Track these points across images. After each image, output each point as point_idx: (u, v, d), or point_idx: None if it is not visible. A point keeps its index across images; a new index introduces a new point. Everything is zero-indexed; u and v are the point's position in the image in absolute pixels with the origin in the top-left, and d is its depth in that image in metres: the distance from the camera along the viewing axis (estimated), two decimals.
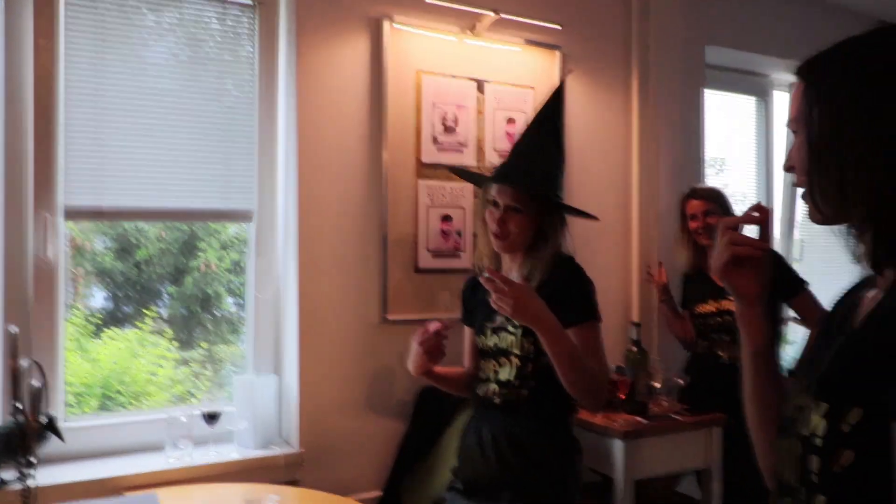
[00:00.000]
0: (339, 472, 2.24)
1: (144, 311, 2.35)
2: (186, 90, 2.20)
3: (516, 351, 1.70)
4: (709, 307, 2.61)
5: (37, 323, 2.00)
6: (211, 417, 2.09)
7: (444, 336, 1.77)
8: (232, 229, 2.44)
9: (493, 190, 1.74)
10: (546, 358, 1.61)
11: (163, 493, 1.81)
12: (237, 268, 2.42)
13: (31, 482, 1.80)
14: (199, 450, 2.09)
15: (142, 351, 2.40)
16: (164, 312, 2.40)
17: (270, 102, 2.33)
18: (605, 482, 2.27)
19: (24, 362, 1.46)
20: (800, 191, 0.92)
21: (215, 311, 2.46)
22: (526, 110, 2.61)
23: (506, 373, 1.72)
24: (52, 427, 1.80)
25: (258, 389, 2.20)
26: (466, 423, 1.82)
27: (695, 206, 2.62)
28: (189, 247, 2.39)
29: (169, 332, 2.38)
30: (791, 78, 3.49)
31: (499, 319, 1.75)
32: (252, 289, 2.34)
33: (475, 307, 1.86)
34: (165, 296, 2.39)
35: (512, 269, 1.78)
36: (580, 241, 2.71)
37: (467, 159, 2.51)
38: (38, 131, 1.99)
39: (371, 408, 2.32)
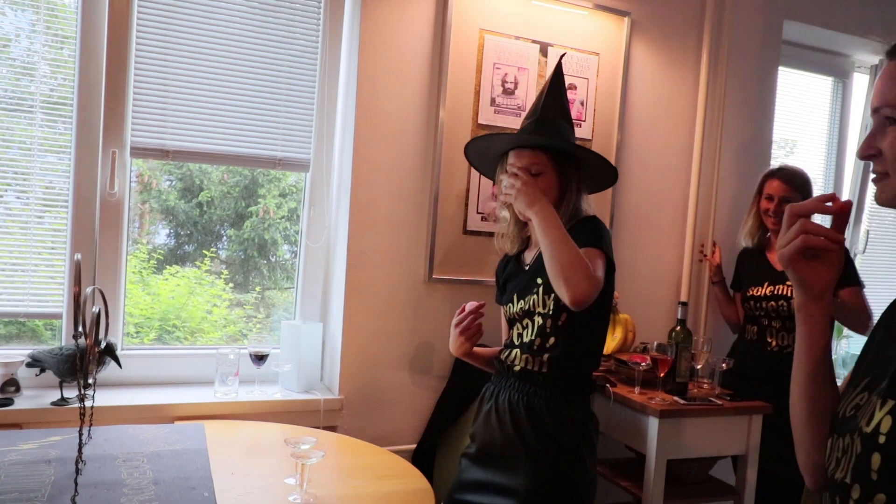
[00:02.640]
0: (376, 422, 2.31)
1: (204, 251, 2.43)
2: (253, 37, 2.24)
3: (540, 309, 1.70)
4: (763, 290, 2.53)
5: (102, 254, 2.11)
6: (258, 358, 2.18)
7: (481, 314, 1.80)
8: (291, 178, 2.49)
9: (512, 157, 1.74)
10: (567, 314, 1.64)
11: (209, 425, 1.91)
12: (294, 216, 2.48)
13: (88, 402, 1.92)
14: (245, 388, 2.18)
15: (199, 289, 2.49)
16: (223, 254, 2.48)
17: (333, 54, 2.35)
18: (639, 459, 2.27)
19: (87, 289, 1.54)
20: (871, 175, 0.87)
21: (271, 258, 2.52)
22: (589, 77, 2.55)
23: (528, 333, 1.73)
24: (110, 352, 1.91)
25: (304, 335, 2.27)
26: (486, 390, 1.84)
27: (775, 186, 2.50)
28: (249, 192, 2.45)
29: (226, 273, 2.47)
30: (874, 59, 3.30)
31: (524, 283, 1.77)
32: (304, 237, 2.40)
33: (506, 283, 1.87)
34: (224, 238, 2.47)
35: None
36: (633, 216, 2.70)
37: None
38: (110, 72, 2.06)
39: (412, 364, 2.36)
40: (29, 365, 1.95)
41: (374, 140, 2.27)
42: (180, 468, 1.56)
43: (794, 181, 2.49)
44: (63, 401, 1.94)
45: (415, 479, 1.70)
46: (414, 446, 2.31)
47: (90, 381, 1.58)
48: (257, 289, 2.50)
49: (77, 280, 1.46)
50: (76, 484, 1.36)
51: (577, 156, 1.75)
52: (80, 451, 1.55)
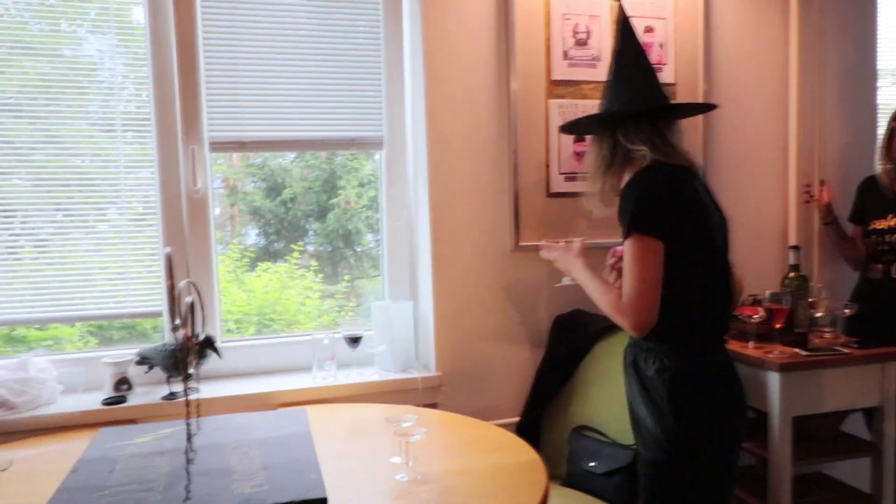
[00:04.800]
0: (476, 397, 2.26)
1: (292, 246, 2.45)
2: (315, 20, 2.21)
3: None
4: (888, 222, 2.29)
5: (193, 249, 2.15)
6: (353, 340, 2.17)
7: None
8: (368, 167, 2.47)
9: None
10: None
11: (311, 410, 1.91)
12: (375, 204, 2.46)
13: (194, 393, 1.96)
14: (342, 371, 2.18)
15: (291, 283, 2.52)
16: (310, 248, 2.50)
17: (396, 25, 2.29)
18: (760, 418, 2.11)
19: (181, 283, 1.56)
20: None
21: (356, 247, 2.52)
22: (666, 16, 2.38)
23: None
24: (209, 343, 1.94)
25: (394, 315, 2.24)
26: None
27: None
28: (330, 185, 2.45)
29: (315, 265, 2.48)
30: None
31: None
32: (385, 216, 2.37)
33: None
34: (310, 232, 2.48)
35: None
36: (729, 159, 2.51)
37: (601, 74, 2.34)
38: (182, 72, 2.09)
39: (506, 335, 2.30)
40: (138, 363, 2.02)
41: (445, 109, 2.20)
42: (287, 453, 1.56)
43: None
44: (172, 395, 1.99)
45: (523, 451, 1.64)
46: (517, 419, 2.25)
47: (191, 371, 1.61)
48: (346, 278, 2.50)
49: (169, 273, 1.48)
50: (188, 473, 1.38)
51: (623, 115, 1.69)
52: (189, 441, 1.58)
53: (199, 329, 1.96)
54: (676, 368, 1.57)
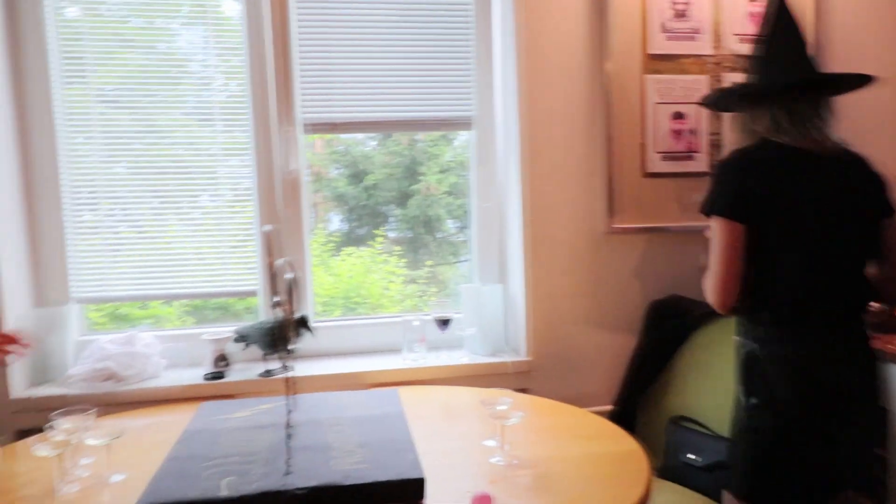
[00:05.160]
0: (568, 383, 2.20)
1: (375, 231, 2.46)
2: (404, 1, 2.19)
3: None
4: None
5: (287, 229, 2.19)
6: (443, 323, 2.15)
7: None
8: (448, 154, 2.44)
9: None
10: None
11: (403, 391, 1.91)
12: (456, 190, 2.43)
13: (291, 371, 2.00)
14: (431, 353, 2.17)
15: (374, 268, 2.53)
16: (392, 233, 2.50)
17: (485, 3, 2.24)
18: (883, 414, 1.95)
19: (279, 261, 1.58)
20: None
21: (437, 234, 2.51)
22: None
23: None
24: (304, 323, 1.97)
25: (484, 298, 2.21)
26: None
27: None
28: (411, 171, 2.44)
29: (398, 249, 2.49)
30: None
31: None
32: (475, 198, 2.34)
33: None
34: (391, 218, 2.48)
35: None
36: (856, 126, 2.31)
37: (702, 47, 2.22)
38: (277, 57, 2.12)
39: (600, 320, 2.22)
40: (236, 340, 2.08)
41: (538, 87, 2.14)
42: (383, 431, 1.56)
43: None
44: (268, 372, 2.04)
45: (622, 440, 1.57)
46: (610, 408, 2.18)
47: (291, 346, 1.63)
48: (429, 263, 2.49)
49: (269, 250, 1.50)
50: (288, 447, 1.39)
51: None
52: (288, 416, 1.61)
53: (294, 308, 2.00)
54: (749, 349, 1.57)
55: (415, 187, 2.43)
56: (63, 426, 1.44)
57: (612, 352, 2.23)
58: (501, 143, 2.28)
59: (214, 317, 2.36)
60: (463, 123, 2.28)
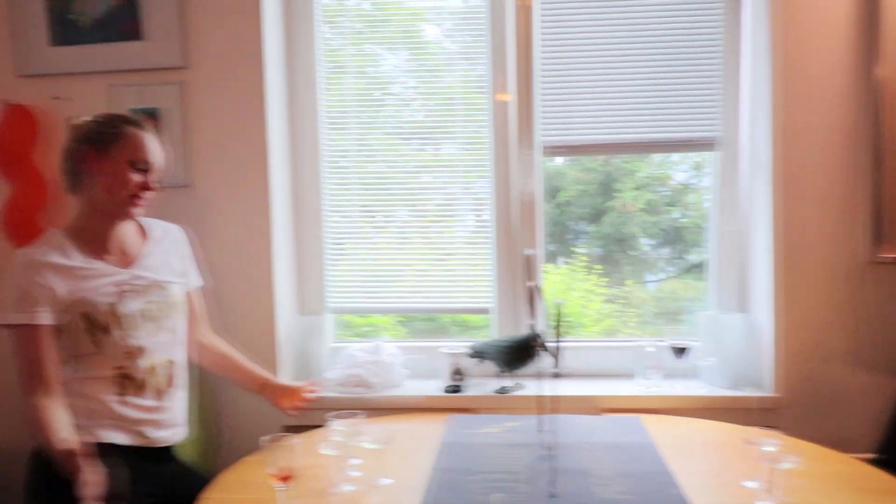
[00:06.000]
0: (821, 424, 2.01)
1: (571, 249, 2.44)
2: (649, 21, 2.15)
3: None
4: None
5: (521, 248, 2.23)
6: (679, 351, 2.07)
7: None
8: (647, 168, 2.36)
9: None
10: None
11: (645, 419, 1.86)
12: (651, 207, 2.34)
13: (523, 390, 2.04)
14: (666, 381, 2.10)
15: (574, 285, 2.50)
16: (588, 251, 2.46)
17: (735, 17, 2.13)
18: None
19: (530, 284, 1.62)
20: None
21: (629, 251, 2.42)
22: None
23: None
24: (544, 343, 1.98)
25: (724, 327, 2.09)
26: None
27: None
28: (605, 187, 2.39)
29: (598, 268, 2.43)
30: None
31: None
32: (715, 221, 2.23)
33: None
34: (583, 235, 2.44)
35: None
36: None
37: None
38: (519, 78, 2.17)
39: (859, 357, 2.01)
40: (470, 355, 2.15)
41: (793, 98, 1.99)
42: (638, 462, 1.53)
43: None
44: (503, 389, 2.08)
45: None
46: (872, 456, 1.95)
47: (555, 369, 1.65)
48: (629, 282, 2.41)
49: (530, 274, 1.53)
50: (553, 470, 1.41)
51: None
52: (543, 437, 1.63)
53: (535, 328, 2.03)
54: None
55: (609, 204, 2.38)
56: (338, 427, 1.58)
57: (873, 393, 2.00)
58: (746, 165, 2.15)
59: (422, 328, 2.47)
60: (705, 144, 2.18)
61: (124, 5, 2.03)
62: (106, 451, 1.48)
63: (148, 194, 1.57)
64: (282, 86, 2.21)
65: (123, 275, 1.58)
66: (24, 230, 2.05)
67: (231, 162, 2.10)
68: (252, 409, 2.04)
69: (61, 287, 1.48)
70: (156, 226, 1.73)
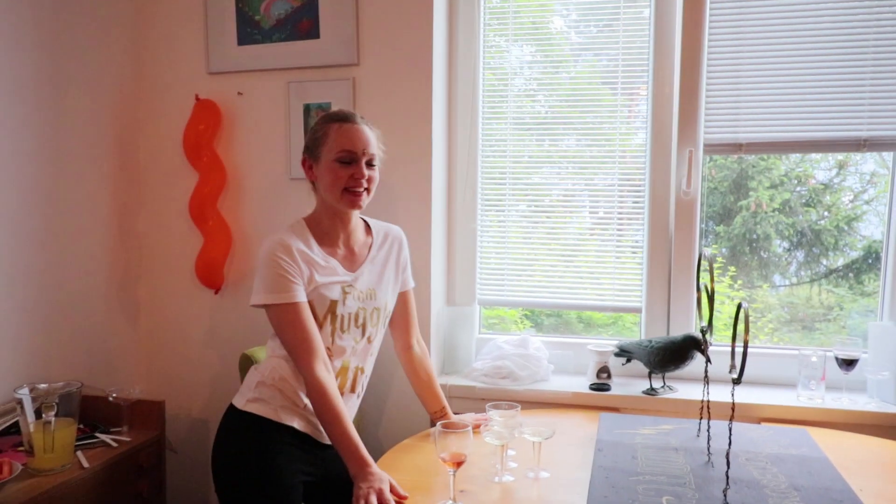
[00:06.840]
0: None
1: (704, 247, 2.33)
2: (826, 13, 2.02)
3: None
4: None
5: (677, 250, 2.18)
6: (847, 363, 1.95)
7: None
8: (783, 167, 2.21)
9: None
10: None
11: (813, 433, 1.77)
12: (786, 208, 2.19)
13: (674, 393, 2.00)
14: (830, 394, 1.99)
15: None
16: (707, 251, 2.33)
17: None
18: None
19: (704, 282, 1.58)
20: None
21: (762, 253, 2.28)
22: None
23: None
24: (698, 345, 1.94)
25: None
26: None
27: None
28: (738, 185, 2.27)
29: (732, 270, 2.32)
30: None
31: None
32: (893, 224, 2.07)
33: None
34: (711, 235, 2.32)
35: None
36: None
37: None
38: (683, 75, 2.11)
39: None
40: (617, 354, 2.14)
41: None
42: (813, 476, 1.46)
43: None
44: (652, 390, 2.05)
45: None
46: None
47: (734, 375, 1.61)
48: (764, 286, 2.27)
49: (711, 275, 1.49)
50: (727, 477, 1.38)
51: None
52: (709, 445, 1.60)
53: (697, 331, 1.99)
54: None
55: (742, 203, 2.25)
56: (497, 418, 1.62)
57: None
58: None
59: (549, 323, 2.46)
60: (888, 144, 2.03)
61: (304, 6, 2.17)
62: (283, 431, 1.61)
63: (362, 182, 1.62)
64: (444, 86, 2.26)
65: (349, 277, 1.68)
66: (205, 215, 2.25)
67: (397, 156, 2.18)
68: (407, 399, 2.13)
69: (305, 272, 1.60)
70: (380, 228, 1.81)
